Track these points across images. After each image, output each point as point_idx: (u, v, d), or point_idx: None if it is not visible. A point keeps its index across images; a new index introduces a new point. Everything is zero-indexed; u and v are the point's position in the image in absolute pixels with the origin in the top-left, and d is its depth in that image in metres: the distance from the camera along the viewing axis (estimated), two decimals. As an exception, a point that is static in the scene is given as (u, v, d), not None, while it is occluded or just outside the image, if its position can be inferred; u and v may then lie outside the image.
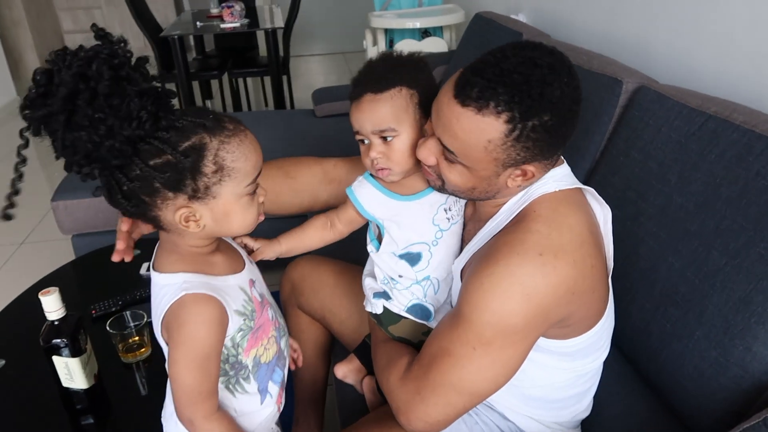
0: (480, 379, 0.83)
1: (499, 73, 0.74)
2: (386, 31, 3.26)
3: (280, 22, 3.80)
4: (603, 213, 0.90)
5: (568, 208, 0.84)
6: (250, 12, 4.18)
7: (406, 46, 3.11)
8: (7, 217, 0.75)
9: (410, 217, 0.95)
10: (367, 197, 0.97)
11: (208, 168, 0.75)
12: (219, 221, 0.80)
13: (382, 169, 0.91)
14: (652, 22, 1.68)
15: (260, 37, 4.62)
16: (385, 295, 1.01)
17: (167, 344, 0.84)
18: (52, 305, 1.01)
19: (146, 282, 1.51)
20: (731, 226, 0.97)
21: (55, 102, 0.68)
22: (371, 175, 0.98)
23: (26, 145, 0.73)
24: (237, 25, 3.70)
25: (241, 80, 4.59)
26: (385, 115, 0.88)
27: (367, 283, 1.03)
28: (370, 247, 1.02)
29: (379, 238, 1.00)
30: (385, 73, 0.89)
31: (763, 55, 1.27)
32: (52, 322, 1.03)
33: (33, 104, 0.69)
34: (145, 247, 1.70)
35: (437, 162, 0.86)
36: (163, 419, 0.95)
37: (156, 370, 1.23)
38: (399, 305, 1.00)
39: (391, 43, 3.31)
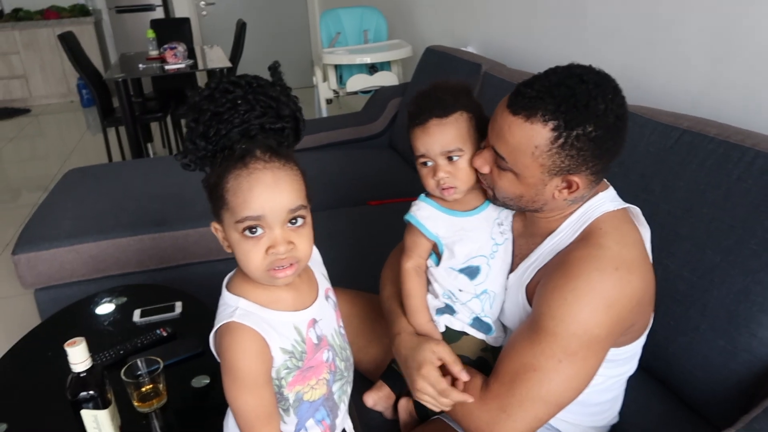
0: (565, 389, 0.88)
1: (547, 85, 0.83)
2: (336, 67, 3.33)
3: (225, 62, 3.80)
4: (644, 232, 0.97)
5: (629, 227, 0.93)
6: (190, 53, 4.16)
7: (359, 80, 3.19)
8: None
9: (471, 231, 1.01)
10: (429, 218, 1.02)
11: (218, 190, 0.79)
12: (234, 251, 0.82)
13: (449, 188, 0.97)
14: (606, 44, 1.83)
15: (200, 77, 4.59)
16: (449, 309, 1.04)
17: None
18: (79, 356, 0.98)
19: (142, 329, 1.46)
20: (720, 227, 1.08)
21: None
22: (426, 196, 1.03)
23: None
24: (182, 65, 3.67)
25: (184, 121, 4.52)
26: (453, 137, 0.95)
27: (429, 300, 1.06)
28: (430, 262, 1.05)
29: (438, 254, 1.04)
30: (446, 99, 0.96)
31: (717, 73, 1.42)
32: (78, 374, 0.99)
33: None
34: (133, 294, 1.66)
35: (491, 171, 0.94)
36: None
37: (173, 419, 1.20)
38: (462, 319, 1.04)
39: (340, 79, 3.39)
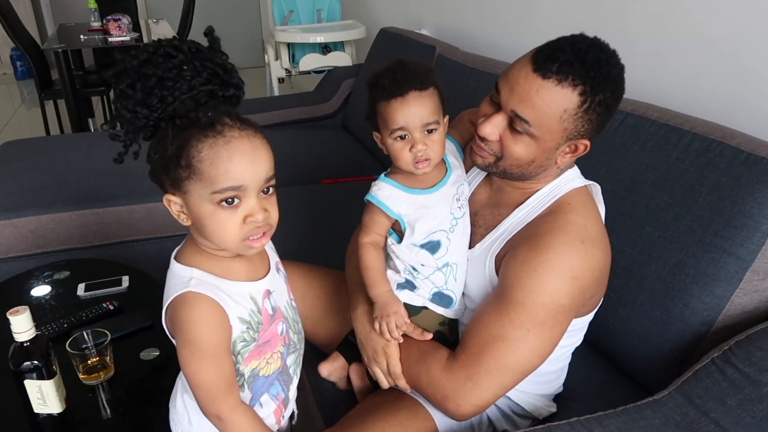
0: (531, 358, 0.92)
1: (577, 52, 0.85)
2: (288, 45, 3.29)
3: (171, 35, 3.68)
4: (601, 209, 1.02)
5: (592, 203, 0.98)
6: (136, 26, 4.01)
7: (313, 60, 3.16)
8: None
9: (431, 207, 1.02)
10: (390, 198, 1.02)
11: (183, 159, 0.75)
12: (197, 223, 0.79)
13: (424, 160, 0.97)
14: (555, 31, 1.88)
15: (146, 52, 4.44)
16: (409, 285, 1.06)
17: (172, 336, 0.83)
18: (23, 325, 0.95)
19: (87, 303, 1.42)
20: (659, 205, 1.14)
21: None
22: (385, 176, 1.04)
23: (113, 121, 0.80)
24: (126, 38, 3.53)
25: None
26: (432, 109, 0.96)
27: (389, 275, 1.07)
28: (390, 240, 1.06)
29: (398, 232, 1.05)
30: (422, 73, 0.97)
31: (659, 61, 1.49)
32: (22, 343, 0.96)
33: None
34: (77, 268, 1.61)
35: (499, 137, 0.93)
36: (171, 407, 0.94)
37: (120, 392, 1.17)
38: (423, 294, 1.06)
39: (292, 58, 3.35)
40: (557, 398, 1.16)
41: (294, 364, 0.97)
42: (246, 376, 0.88)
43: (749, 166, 1.02)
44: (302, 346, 1.00)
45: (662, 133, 1.18)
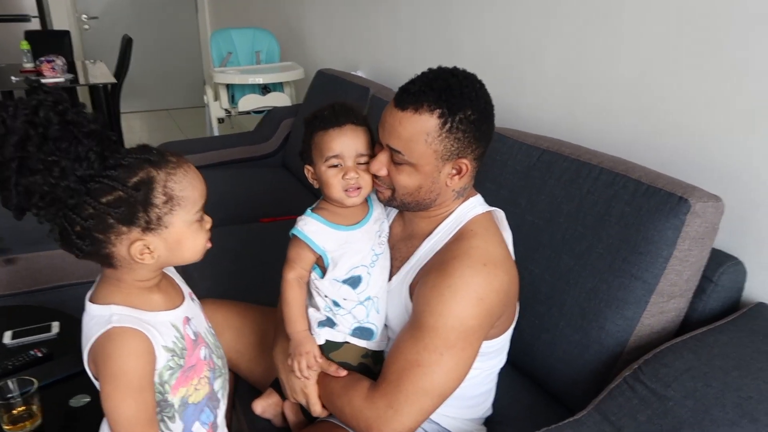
0: (448, 380, 0.96)
1: (426, 82, 0.95)
2: (228, 86, 3.32)
3: (109, 78, 3.65)
4: (506, 236, 1.08)
5: (495, 228, 1.04)
6: (71, 67, 3.95)
7: (252, 100, 3.20)
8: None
9: (354, 243, 1.06)
10: (316, 233, 1.06)
11: (158, 199, 0.79)
12: (172, 250, 0.83)
13: (356, 188, 1.03)
14: (480, 73, 1.99)
15: (82, 93, 4.37)
16: (329, 322, 1.09)
17: (96, 378, 0.84)
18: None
19: (14, 351, 1.38)
20: (574, 235, 1.22)
21: (6, 150, 0.69)
22: (312, 211, 1.08)
23: None
24: (60, 80, 3.48)
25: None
26: (365, 142, 1.04)
27: (310, 314, 1.09)
28: (314, 275, 1.09)
29: (321, 267, 1.08)
30: (358, 112, 1.06)
31: (574, 100, 1.61)
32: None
33: None
34: (4, 315, 1.56)
35: (387, 172, 1.01)
36: None
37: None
38: (343, 330, 1.08)
39: (232, 99, 3.38)
40: (487, 421, 1.20)
41: (221, 388, 0.99)
42: (176, 406, 0.89)
43: (648, 197, 1.11)
44: (227, 370, 1.03)
45: (574, 168, 1.28)
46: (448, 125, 0.95)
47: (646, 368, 1.00)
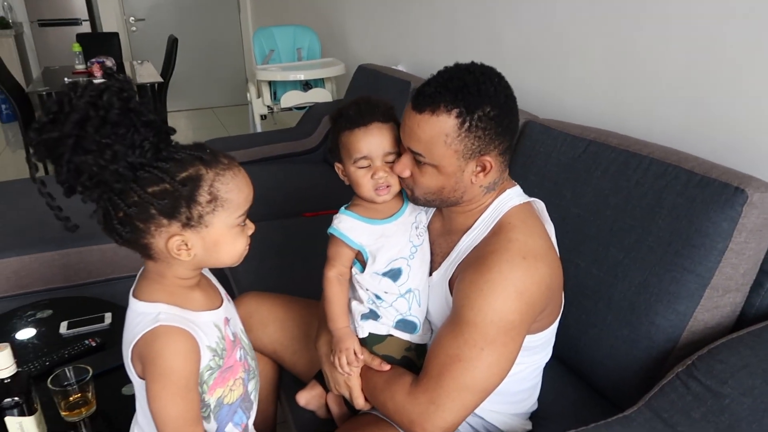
0: (490, 376, 0.94)
1: (441, 82, 0.93)
2: (270, 83, 3.36)
3: (156, 77, 3.75)
4: (548, 228, 1.05)
5: (534, 219, 1.02)
6: (119, 68, 4.08)
7: (294, 97, 3.23)
8: (74, 228, 0.82)
9: (391, 236, 1.06)
10: (351, 229, 1.07)
11: (203, 197, 0.80)
12: (209, 250, 0.84)
13: (385, 187, 1.03)
14: (523, 66, 1.97)
15: (130, 93, 4.49)
16: (372, 315, 1.09)
17: (140, 377, 0.85)
18: (3, 362, 0.96)
19: (70, 341, 1.44)
20: (622, 227, 1.19)
21: (66, 126, 0.72)
22: (346, 209, 1.09)
23: (38, 169, 0.78)
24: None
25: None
26: (392, 141, 1.03)
27: (354, 306, 1.10)
28: (355, 270, 1.10)
29: (362, 262, 1.09)
30: (384, 108, 1.04)
31: (618, 90, 1.57)
32: (2, 380, 0.97)
33: (43, 128, 0.74)
34: (60, 307, 1.62)
35: (411, 173, 1.00)
36: None
37: (102, 427, 1.18)
38: (387, 323, 1.09)
39: (274, 95, 3.42)
40: (532, 417, 1.18)
41: (254, 390, 1.00)
42: (212, 406, 0.90)
43: (702, 188, 1.07)
44: (258, 372, 1.03)
45: (622, 159, 1.24)
46: (467, 124, 0.93)
47: (700, 364, 0.97)
